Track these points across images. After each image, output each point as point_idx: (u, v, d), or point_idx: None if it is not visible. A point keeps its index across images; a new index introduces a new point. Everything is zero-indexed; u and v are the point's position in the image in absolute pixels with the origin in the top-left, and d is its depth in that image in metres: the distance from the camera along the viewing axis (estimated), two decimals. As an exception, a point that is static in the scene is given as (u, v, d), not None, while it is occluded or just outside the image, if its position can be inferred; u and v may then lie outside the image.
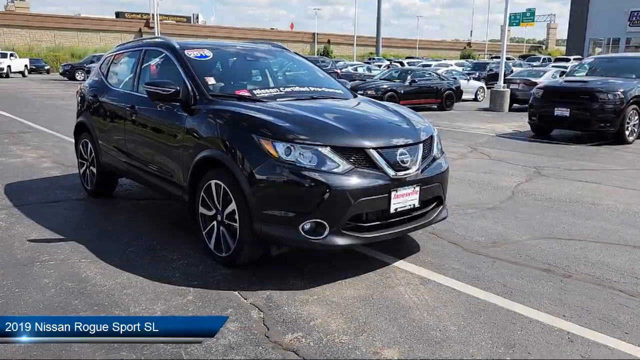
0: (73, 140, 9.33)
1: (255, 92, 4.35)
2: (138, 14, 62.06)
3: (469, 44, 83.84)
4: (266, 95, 4.32)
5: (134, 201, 5.79)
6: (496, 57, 49.44)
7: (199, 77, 4.33)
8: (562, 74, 18.77)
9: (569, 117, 10.57)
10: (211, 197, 3.88)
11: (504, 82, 18.24)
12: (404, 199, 3.70)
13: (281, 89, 4.55)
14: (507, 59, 43.57)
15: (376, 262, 4.00)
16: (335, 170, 3.45)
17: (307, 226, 3.44)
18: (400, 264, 3.99)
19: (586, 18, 57.64)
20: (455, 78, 20.30)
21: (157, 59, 4.98)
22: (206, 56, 4.66)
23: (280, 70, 5.18)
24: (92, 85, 5.85)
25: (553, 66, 22.89)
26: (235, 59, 5.02)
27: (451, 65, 32.74)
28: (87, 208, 5.49)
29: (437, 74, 19.55)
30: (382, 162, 3.59)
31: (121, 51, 5.69)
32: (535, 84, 17.76)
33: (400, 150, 3.72)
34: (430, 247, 4.34)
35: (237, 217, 3.64)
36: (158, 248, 4.24)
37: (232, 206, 3.67)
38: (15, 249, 4.19)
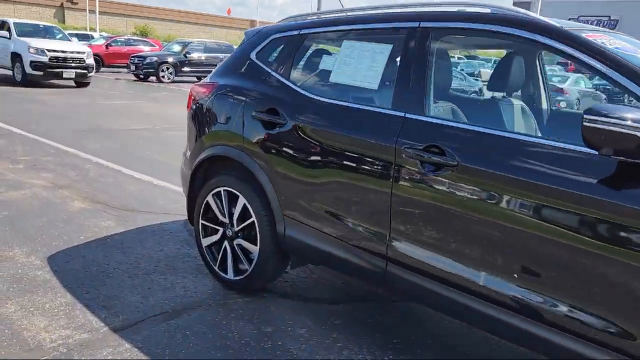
0: (82, 155, 6.46)
1: None
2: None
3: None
4: None
5: (322, 305, 3.12)
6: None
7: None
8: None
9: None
10: None
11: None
12: None
13: None
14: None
15: None
16: None
17: None
18: None
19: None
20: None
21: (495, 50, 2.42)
22: (628, 49, 2.18)
23: None
24: (251, 89, 3.03)
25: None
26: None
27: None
28: (264, 334, 2.76)
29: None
30: None
31: (333, 28, 2.87)
32: (561, 89, 16.41)
33: None
34: None
35: None
36: None
37: None
38: None
